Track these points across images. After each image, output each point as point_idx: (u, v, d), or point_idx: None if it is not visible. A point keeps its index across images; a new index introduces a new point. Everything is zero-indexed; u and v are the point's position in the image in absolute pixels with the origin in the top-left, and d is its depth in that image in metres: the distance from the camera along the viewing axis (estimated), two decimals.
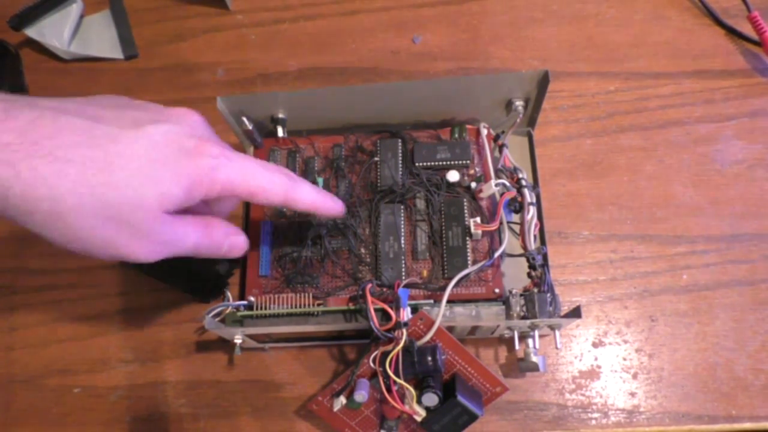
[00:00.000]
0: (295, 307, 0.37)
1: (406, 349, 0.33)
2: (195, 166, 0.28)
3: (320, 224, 0.39)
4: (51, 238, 0.26)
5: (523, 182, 0.38)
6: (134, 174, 0.26)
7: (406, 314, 0.33)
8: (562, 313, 0.35)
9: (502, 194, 0.37)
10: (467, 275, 0.36)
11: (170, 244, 0.29)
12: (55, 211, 0.25)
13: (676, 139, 0.45)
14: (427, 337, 0.33)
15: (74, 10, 0.52)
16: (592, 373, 0.39)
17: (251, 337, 0.37)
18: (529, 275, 0.36)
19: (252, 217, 0.41)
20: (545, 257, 0.38)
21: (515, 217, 0.38)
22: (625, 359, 0.39)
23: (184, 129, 0.29)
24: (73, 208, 0.25)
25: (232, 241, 0.33)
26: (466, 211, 0.39)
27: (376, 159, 0.41)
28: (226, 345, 0.41)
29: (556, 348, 0.37)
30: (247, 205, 0.42)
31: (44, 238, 0.26)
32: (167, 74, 0.51)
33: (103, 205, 0.25)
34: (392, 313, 0.34)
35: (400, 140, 0.41)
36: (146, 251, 0.28)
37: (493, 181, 0.38)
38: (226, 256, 0.33)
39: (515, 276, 0.38)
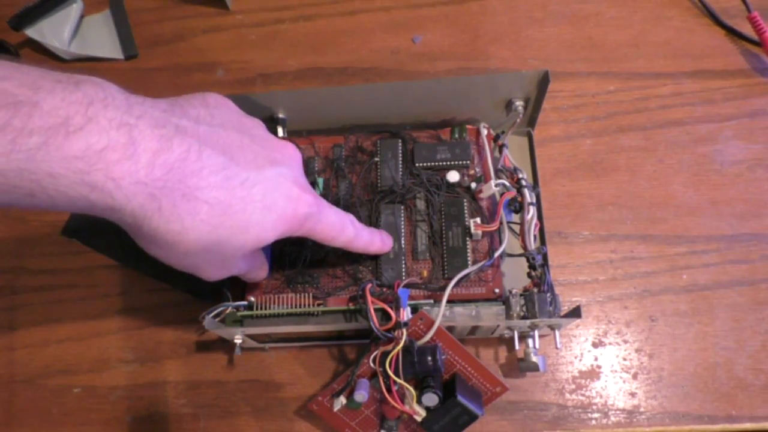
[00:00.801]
0: (295, 307, 0.37)
1: (406, 349, 0.33)
2: (293, 213, 0.30)
3: None
4: (154, 253, 0.28)
5: (523, 182, 0.38)
6: (248, 219, 0.28)
7: (406, 314, 0.33)
8: (562, 313, 0.35)
9: (502, 194, 0.37)
10: (467, 275, 0.36)
11: (232, 272, 0.32)
12: (176, 241, 0.27)
13: (676, 139, 0.45)
14: (427, 337, 0.33)
15: (74, 10, 0.52)
16: (592, 373, 0.39)
17: (251, 337, 0.37)
18: (529, 275, 0.36)
19: None
20: (545, 257, 0.38)
21: (515, 217, 0.38)
22: (625, 359, 0.39)
23: (291, 173, 0.30)
24: (191, 241, 0.27)
25: (261, 274, 0.37)
26: (466, 211, 0.39)
27: (376, 159, 0.41)
28: (226, 345, 0.41)
29: (556, 348, 0.37)
30: None
31: (146, 250, 0.28)
32: (167, 74, 0.51)
33: (214, 241, 0.27)
34: (392, 313, 0.34)
35: (400, 140, 0.41)
36: (217, 276, 0.31)
37: (493, 181, 0.38)
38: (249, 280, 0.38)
39: (515, 276, 0.38)
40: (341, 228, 0.33)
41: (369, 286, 0.35)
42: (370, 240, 0.36)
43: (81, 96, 0.23)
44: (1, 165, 0.21)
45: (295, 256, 0.39)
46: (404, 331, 0.33)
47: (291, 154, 0.32)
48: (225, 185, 0.27)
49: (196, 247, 0.27)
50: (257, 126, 0.32)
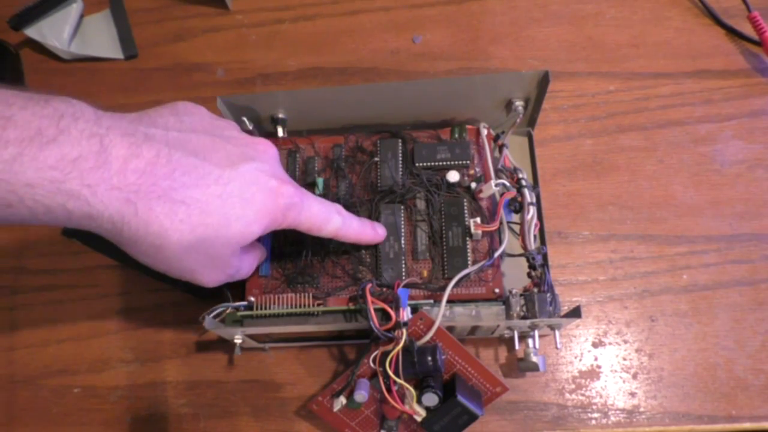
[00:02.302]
0: (295, 307, 0.37)
1: (406, 349, 0.33)
2: (275, 206, 0.30)
3: None
4: (143, 260, 0.29)
5: (523, 182, 0.38)
6: (228, 215, 0.29)
7: (406, 314, 0.33)
8: (562, 313, 0.35)
9: (502, 194, 0.37)
10: (467, 275, 0.36)
11: (232, 274, 0.32)
12: (159, 244, 0.27)
13: (676, 139, 0.45)
14: (427, 337, 0.33)
15: (74, 10, 0.52)
16: (592, 373, 0.39)
17: (251, 337, 0.37)
18: (529, 275, 0.36)
19: None
20: (545, 257, 0.38)
21: (515, 217, 0.38)
22: (625, 359, 0.39)
23: (267, 166, 0.31)
24: (174, 242, 0.28)
25: (260, 262, 0.38)
26: (466, 211, 0.39)
27: (376, 159, 0.41)
28: (226, 345, 0.41)
29: (556, 348, 0.37)
30: None
31: (134, 257, 0.28)
32: (167, 74, 0.51)
33: (198, 241, 0.28)
34: (392, 313, 0.34)
35: (400, 140, 0.41)
36: (215, 279, 0.32)
37: (493, 181, 0.38)
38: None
39: (515, 276, 0.38)
40: (326, 217, 0.34)
41: (369, 286, 0.35)
42: (360, 229, 0.36)
43: (52, 111, 0.24)
44: None
45: (294, 256, 0.39)
46: (404, 331, 0.33)
47: (265, 149, 0.33)
48: (199, 184, 0.28)
49: (179, 248, 0.28)
50: (229, 127, 0.33)
